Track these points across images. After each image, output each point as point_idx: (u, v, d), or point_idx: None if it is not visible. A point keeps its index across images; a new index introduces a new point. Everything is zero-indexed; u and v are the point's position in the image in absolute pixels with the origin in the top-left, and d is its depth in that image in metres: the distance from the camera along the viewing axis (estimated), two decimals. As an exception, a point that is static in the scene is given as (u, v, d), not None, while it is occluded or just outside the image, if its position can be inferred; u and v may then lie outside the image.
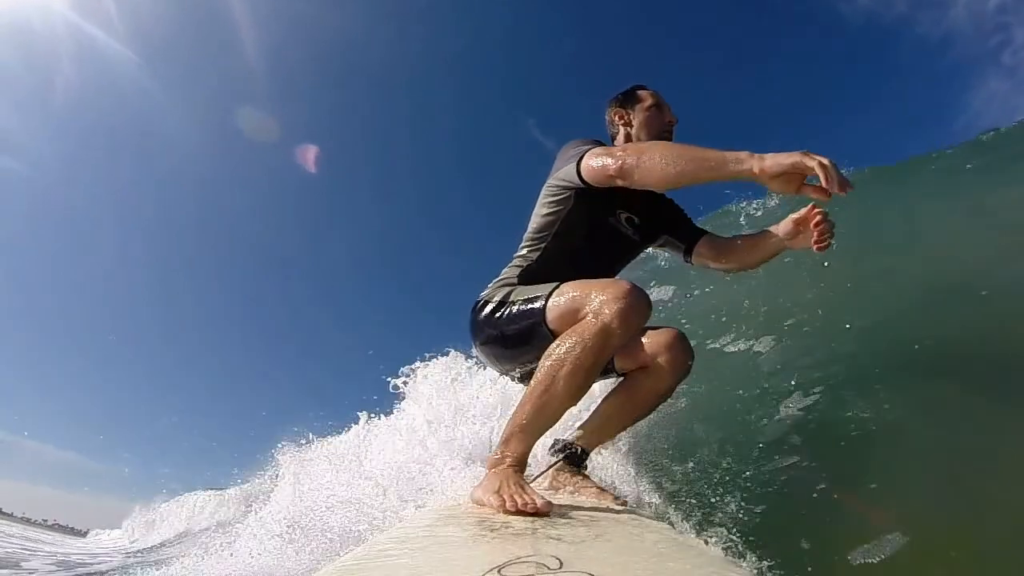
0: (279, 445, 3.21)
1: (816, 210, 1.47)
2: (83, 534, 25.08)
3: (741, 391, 2.15)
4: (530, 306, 1.40)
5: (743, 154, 1.20)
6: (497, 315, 1.48)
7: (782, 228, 1.56)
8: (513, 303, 1.46)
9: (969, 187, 3.65)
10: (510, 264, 1.64)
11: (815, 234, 1.46)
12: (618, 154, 1.39)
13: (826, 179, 1.12)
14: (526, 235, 1.65)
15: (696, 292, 3.26)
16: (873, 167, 4.88)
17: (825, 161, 1.13)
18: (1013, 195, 3.08)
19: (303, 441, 3.13)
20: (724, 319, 2.73)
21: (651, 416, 1.64)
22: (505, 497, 1.07)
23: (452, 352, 2.80)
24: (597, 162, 1.43)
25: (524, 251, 1.63)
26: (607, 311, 1.21)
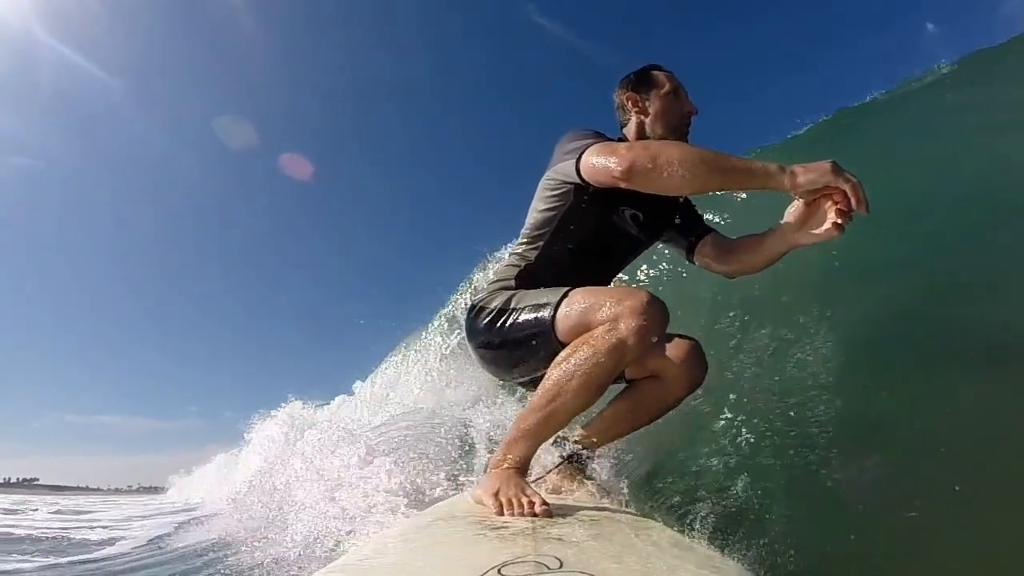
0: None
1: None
2: (164, 490, 27.45)
3: (744, 388, 1.98)
4: (537, 314, 1.33)
5: (772, 167, 1.19)
6: (499, 323, 1.40)
7: (787, 219, 1.36)
8: (517, 310, 1.38)
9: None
10: (506, 263, 1.55)
11: (839, 206, 1.21)
12: (623, 153, 1.25)
13: (857, 200, 1.16)
14: (523, 231, 1.54)
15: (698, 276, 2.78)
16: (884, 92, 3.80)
17: (854, 180, 1.16)
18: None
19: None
20: (726, 306, 2.44)
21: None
22: (503, 501, 1.07)
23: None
24: (599, 161, 1.29)
25: (521, 249, 1.52)
26: (623, 326, 1.16)
